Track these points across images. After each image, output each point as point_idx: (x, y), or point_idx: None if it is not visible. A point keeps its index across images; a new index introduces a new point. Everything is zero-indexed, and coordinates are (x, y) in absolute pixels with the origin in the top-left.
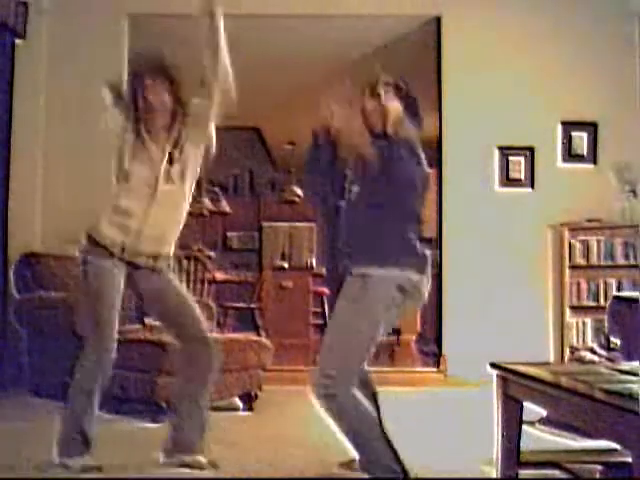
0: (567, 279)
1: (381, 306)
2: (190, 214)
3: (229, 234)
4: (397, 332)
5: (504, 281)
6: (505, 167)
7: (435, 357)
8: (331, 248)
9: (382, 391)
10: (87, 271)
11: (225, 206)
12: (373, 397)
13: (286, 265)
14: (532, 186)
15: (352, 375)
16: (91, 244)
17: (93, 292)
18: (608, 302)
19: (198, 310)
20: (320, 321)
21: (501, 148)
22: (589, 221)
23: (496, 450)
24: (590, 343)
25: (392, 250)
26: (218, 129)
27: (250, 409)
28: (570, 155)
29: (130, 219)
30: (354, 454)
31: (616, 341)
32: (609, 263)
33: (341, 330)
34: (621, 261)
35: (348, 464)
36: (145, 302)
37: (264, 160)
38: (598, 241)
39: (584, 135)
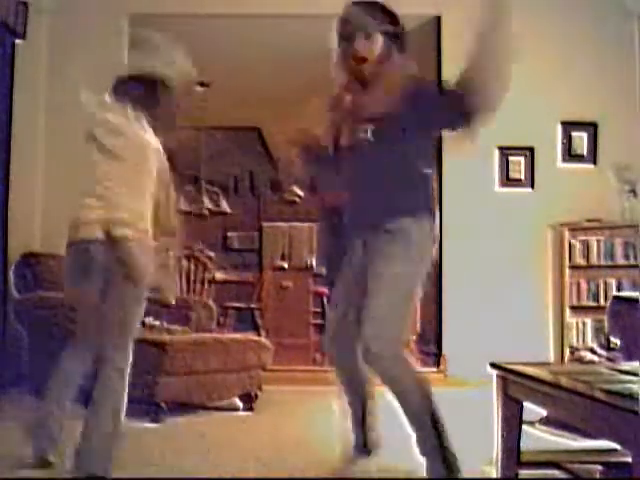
0: (567, 279)
1: (426, 260)
2: (190, 214)
3: (229, 234)
4: None
5: (504, 281)
6: (505, 167)
7: (435, 357)
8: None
9: (382, 391)
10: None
11: (225, 206)
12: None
13: (286, 265)
14: (532, 186)
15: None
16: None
17: None
18: (608, 302)
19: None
20: (320, 321)
21: (501, 148)
22: (589, 221)
23: (496, 450)
24: (590, 343)
25: (421, 197)
26: (218, 129)
27: (250, 409)
28: (570, 155)
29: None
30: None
31: (616, 341)
32: (609, 263)
33: (394, 292)
34: (621, 261)
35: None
36: None
37: (264, 160)
38: (598, 241)
39: (584, 135)
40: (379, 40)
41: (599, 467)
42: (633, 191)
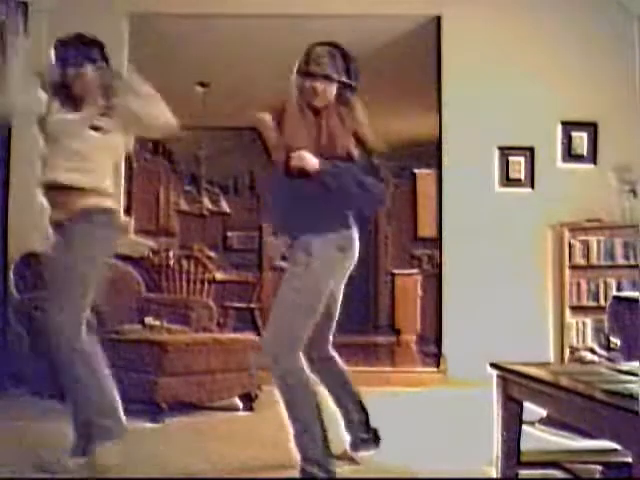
0: (567, 279)
1: (326, 269)
2: (190, 214)
3: (229, 234)
4: (397, 332)
5: (504, 281)
6: (505, 167)
7: (435, 357)
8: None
9: (382, 391)
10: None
11: (225, 206)
12: (353, 395)
13: (286, 265)
14: (532, 186)
15: (299, 343)
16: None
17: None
18: (608, 302)
19: None
20: None
21: (501, 148)
22: (589, 221)
23: (496, 450)
24: (590, 343)
25: (325, 216)
26: (218, 129)
27: (250, 409)
28: (570, 155)
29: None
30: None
31: (616, 341)
32: (609, 263)
33: (288, 301)
34: (621, 261)
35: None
36: None
37: (264, 160)
38: (598, 241)
39: (584, 135)
40: (334, 87)
41: (599, 467)
42: (633, 191)
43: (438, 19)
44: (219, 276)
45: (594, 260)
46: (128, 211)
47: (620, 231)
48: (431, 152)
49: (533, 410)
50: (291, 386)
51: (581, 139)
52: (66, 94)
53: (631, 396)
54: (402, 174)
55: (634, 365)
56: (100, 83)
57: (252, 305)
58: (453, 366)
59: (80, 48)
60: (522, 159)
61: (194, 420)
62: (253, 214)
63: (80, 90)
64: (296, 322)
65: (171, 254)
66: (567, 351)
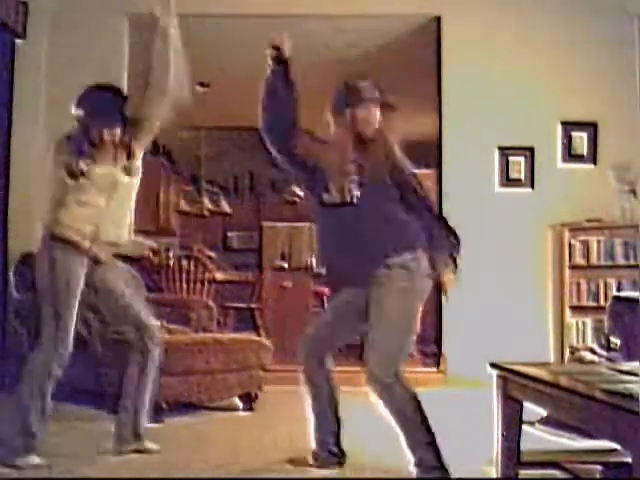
0: (567, 279)
1: (422, 295)
2: (190, 214)
3: (229, 234)
4: None
5: (504, 281)
6: (505, 167)
7: (435, 357)
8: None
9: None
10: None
11: (225, 206)
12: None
13: (286, 265)
14: (532, 186)
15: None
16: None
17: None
18: (608, 302)
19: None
20: None
21: (501, 148)
22: (589, 221)
23: (496, 450)
24: (590, 343)
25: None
26: (218, 129)
27: (250, 409)
28: (570, 155)
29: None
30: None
31: (616, 341)
32: (609, 263)
33: (397, 325)
34: (621, 261)
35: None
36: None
37: (264, 160)
38: (598, 241)
39: (584, 135)
40: (378, 110)
41: (599, 467)
42: (633, 191)
43: (438, 19)
44: (219, 276)
45: (594, 260)
46: None
47: (620, 231)
48: (431, 152)
49: (533, 410)
50: (402, 398)
51: (581, 139)
52: (89, 147)
53: (631, 396)
54: None
55: (634, 365)
56: (124, 141)
57: (252, 305)
58: (453, 366)
59: (112, 103)
60: (522, 159)
61: (194, 420)
62: (253, 214)
63: (109, 146)
64: (407, 341)
65: (171, 254)
66: (567, 351)
